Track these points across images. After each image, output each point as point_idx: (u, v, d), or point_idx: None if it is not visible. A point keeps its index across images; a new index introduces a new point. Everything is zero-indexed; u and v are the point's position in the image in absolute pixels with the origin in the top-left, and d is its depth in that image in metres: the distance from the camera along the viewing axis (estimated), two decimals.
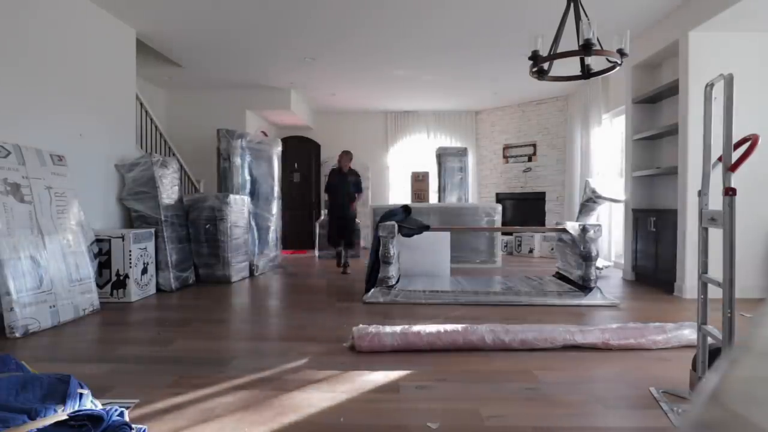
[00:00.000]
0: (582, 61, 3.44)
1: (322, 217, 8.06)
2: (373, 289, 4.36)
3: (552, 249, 7.51)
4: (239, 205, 5.64)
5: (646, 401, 2.14)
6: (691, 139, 4.45)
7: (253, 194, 6.25)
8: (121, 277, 4.26)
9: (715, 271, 4.67)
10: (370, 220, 7.28)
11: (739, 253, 4.63)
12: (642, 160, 5.52)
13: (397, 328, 2.94)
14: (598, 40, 3.11)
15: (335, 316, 3.79)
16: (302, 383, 2.35)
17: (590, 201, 5.94)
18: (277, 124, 9.24)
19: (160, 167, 4.90)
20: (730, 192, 1.86)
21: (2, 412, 1.62)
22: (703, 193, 2.14)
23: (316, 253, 8.01)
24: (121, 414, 1.77)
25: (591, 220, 5.99)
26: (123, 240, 4.27)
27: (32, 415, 1.61)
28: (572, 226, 4.50)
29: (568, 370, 2.52)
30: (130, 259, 4.28)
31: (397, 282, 4.57)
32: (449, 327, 2.96)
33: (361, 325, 3.01)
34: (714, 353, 2.01)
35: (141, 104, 5.50)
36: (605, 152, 7.02)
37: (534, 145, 8.75)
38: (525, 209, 8.93)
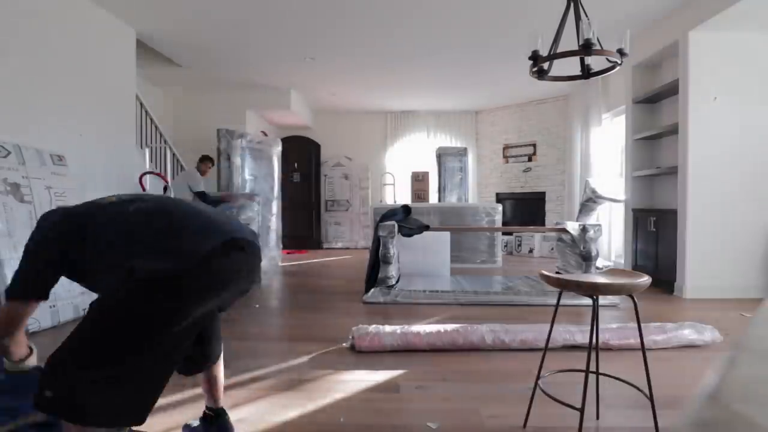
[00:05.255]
0: (582, 61, 3.44)
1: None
2: (373, 289, 4.36)
3: (552, 249, 7.51)
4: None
5: (646, 401, 2.14)
6: (691, 139, 4.44)
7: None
8: None
9: (714, 271, 4.67)
10: (370, 220, 7.27)
11: (739, 253, 4.65)
12: (642, 160, 5.52)
13: (397, 328, 2.94)
14: (598, 40, 3.11)
15: (335, 316, 3.79)
16: (302, 383, 2.35)
17: (590, 201, 5.93)
18: (277, 124, 9.24)
19: None
20: None
21: None
22: None
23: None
24: None
25: (591, 220, 5.99)
26: None
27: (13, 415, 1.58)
28: (572, 226, 4.50)
29: None
30: None
31: (397, 282, 4.57)
32: (449, 327, 2.96)
33: (361, 325, 3.01)
34: None
35: (141, 104, 5.50)
36: (605, 152, 7.01)
37: (534, 145, 8.75)
38: (525, 209, 8.93)
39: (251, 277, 1.51)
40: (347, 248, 9.30)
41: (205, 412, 1.79)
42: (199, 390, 2.24)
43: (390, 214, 4.94)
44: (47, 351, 2.81)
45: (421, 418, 1.97)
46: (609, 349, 2.84)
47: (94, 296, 1.38)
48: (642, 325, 3.13)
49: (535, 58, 3.37)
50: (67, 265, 1.43)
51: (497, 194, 9.23)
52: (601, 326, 3.07)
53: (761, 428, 0.31)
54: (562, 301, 4.17)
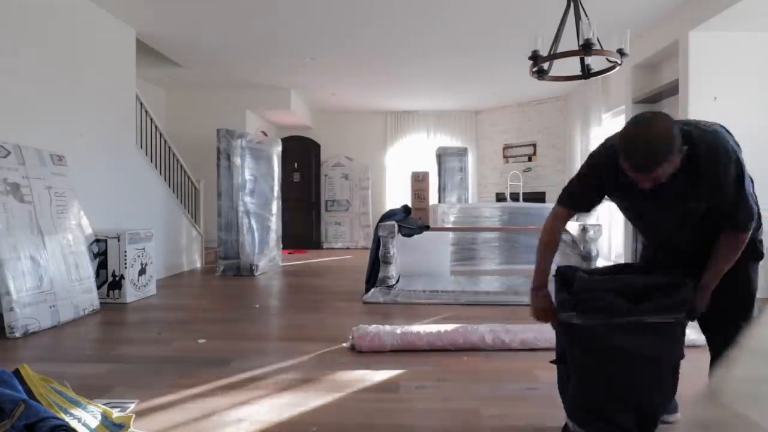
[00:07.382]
0: (582, 61, 3.44)
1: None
2: (373, 289, 4.35)
3: None
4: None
5: None
6: None
7: (253, 194, 6.25)
8: (117, 278, 4.23)
9: None
10: (370, 221, 7.29)
11: None
12: None
13: (397, 328, 2.94)
14: (598, 40, 3.11)
15: (335, 316, 3.79)
16: (302, 383, 2.35)
17: None
18: (277, 124, 9.24)
19: None
20: None
21: None
22: None
23: None
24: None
25: (591, 220, 5.99)
26: (119, 240, 4.25)
27: None
28: (572, 226, 4.50)
29: None
30: (125, 259, 4.26)
31: (397, 282, 4.57)
32: (449, 327, 2.96)
33: (361, 325, 3.02)
34: None
35: (141, 104, 5.49)
36: None
37: (534, 145, 8.75)
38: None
39: None
40: (347, 248, 9.30)
41: None
42: (197, 390, 2.24)
43: (390, 214, 4.94)
44: (47, 351, 2.82)
45: (421, 418, 1.97)
46: None
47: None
48: None
49: (535, 58, 3.38)
50: None
51: (497, 194, 9.23)
52: None
53: (761, 428, 0.31)
54: None
